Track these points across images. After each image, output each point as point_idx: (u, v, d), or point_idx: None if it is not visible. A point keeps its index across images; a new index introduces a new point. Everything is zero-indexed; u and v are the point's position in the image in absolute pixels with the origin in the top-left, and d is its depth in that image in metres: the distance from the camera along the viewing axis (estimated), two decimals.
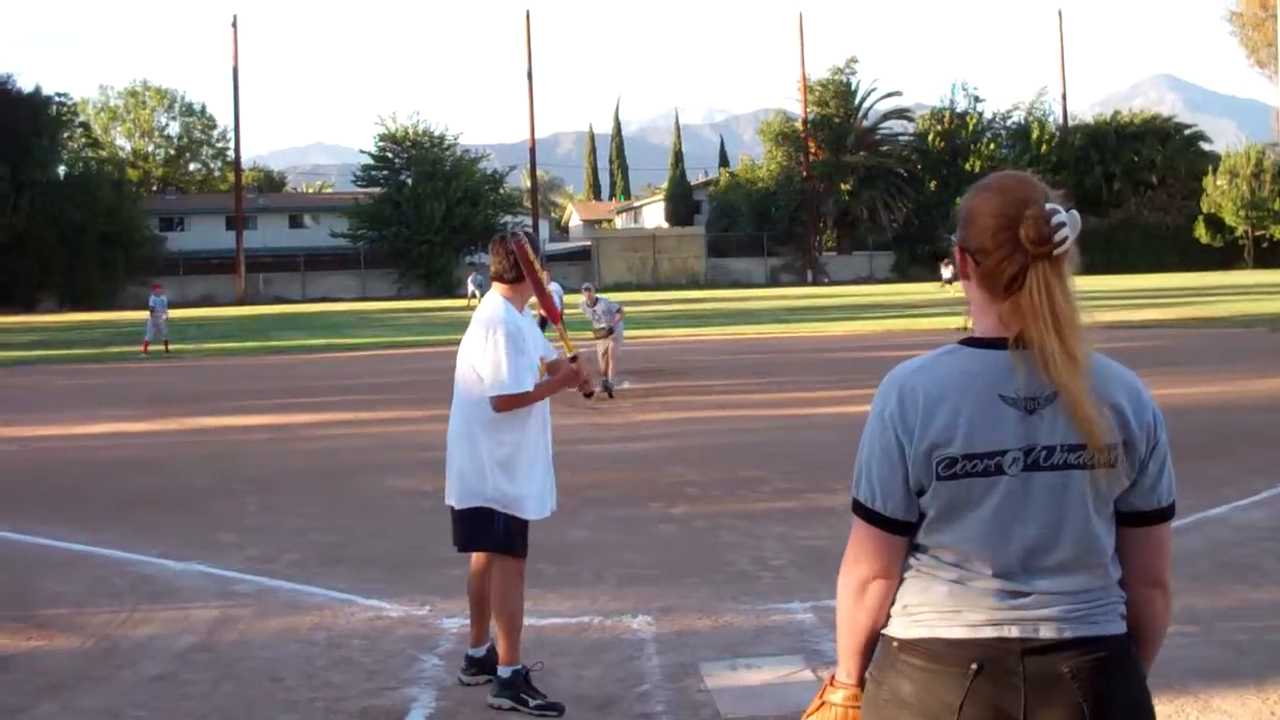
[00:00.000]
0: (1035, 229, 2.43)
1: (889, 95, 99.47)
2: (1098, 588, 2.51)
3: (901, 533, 2.54)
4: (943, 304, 44.71)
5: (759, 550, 8.64)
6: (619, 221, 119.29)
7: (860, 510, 2.59)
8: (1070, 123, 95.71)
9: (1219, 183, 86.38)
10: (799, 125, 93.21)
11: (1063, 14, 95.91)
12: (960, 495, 2.48)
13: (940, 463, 2.47)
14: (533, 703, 5.72)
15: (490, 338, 5.78)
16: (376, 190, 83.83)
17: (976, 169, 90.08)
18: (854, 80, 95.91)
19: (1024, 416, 2.45)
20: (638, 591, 7.61)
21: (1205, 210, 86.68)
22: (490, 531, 5.83)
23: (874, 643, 2.60)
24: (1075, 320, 2.44)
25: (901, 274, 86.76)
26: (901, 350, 26.35)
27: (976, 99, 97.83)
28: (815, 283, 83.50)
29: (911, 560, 2.57)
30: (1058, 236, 2.42)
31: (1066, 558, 2.48)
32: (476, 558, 6.12)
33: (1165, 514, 2.57)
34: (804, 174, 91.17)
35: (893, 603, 2.57)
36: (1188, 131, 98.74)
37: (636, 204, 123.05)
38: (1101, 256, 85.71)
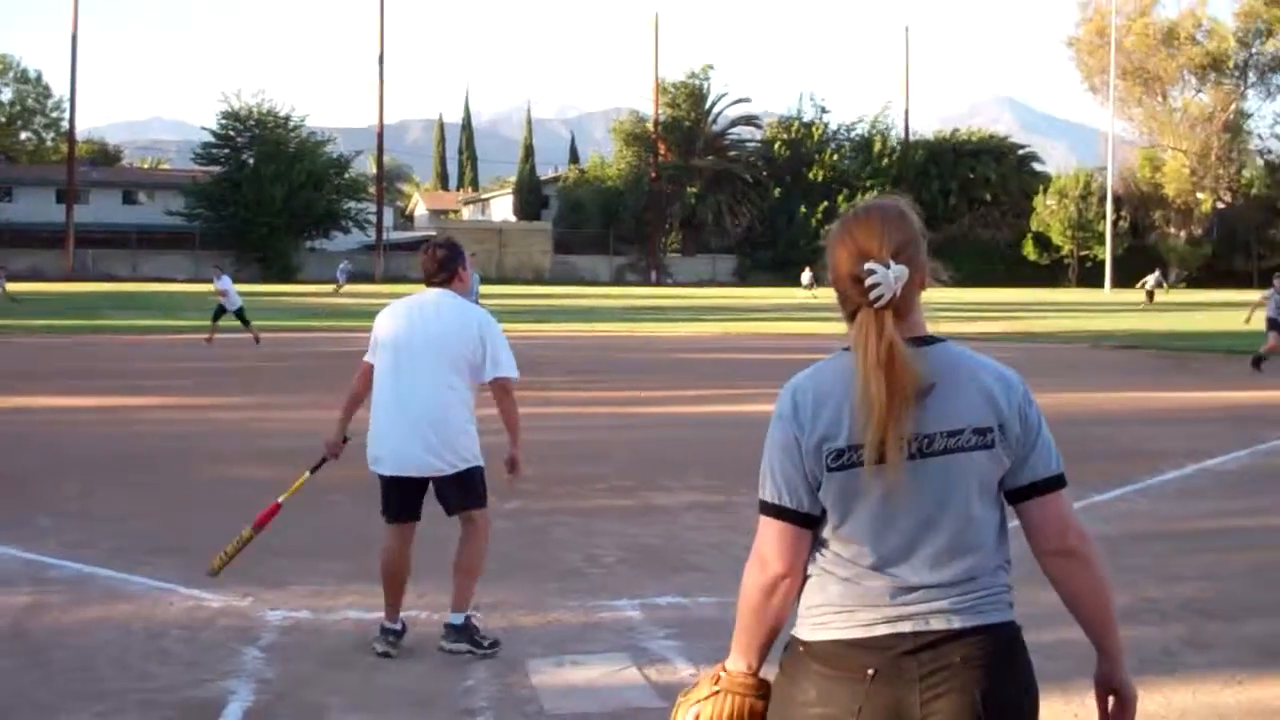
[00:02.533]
0: (854, 286, 2.68)
1: (739, 101, 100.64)
2: (983, 575, 2.64)
3: (807, 525, 2.67)
4: (784, 309, 45.35)
5: (590, 548, 8.68)
6: (466, 213, 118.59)
7: (768, 509, 2.71)
8: (911, 138, 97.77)
9: (1049, 203, 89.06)
10: (650, 126, 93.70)
11: (909, 31, 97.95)
12: (850, 485, 2.63)
13: (829, 454, 2.63)
14: (486, 643, 6.28)
15: (492, 330, 6.54)
16: (216, 169, 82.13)
17: (820, 178, 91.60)
18: (706, 85, 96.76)
19: (903, 405, 2.59)
20: None
21: (1034, 228, 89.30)
22: (481, 487, 6.48)
23: (775, 638, 2.72)
24: (901, 359, 2.59)
25: (743, 278, 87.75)
26: (741, 353, 26.72)
27: (823, 110, 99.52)
28: (659, 283, 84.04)
29: (813, 558, 2.69)
30: (872, 295, 2.62)
31: (949, 544, 2.62)
32: (398, 534, 6.46)
33: (1054, 483, 2.71)
34: (653, 175, 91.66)
35: (797, 601, 2.69)
36: (1022, 152, 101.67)
37: (484, 196, 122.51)
38: (934, 268, 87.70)
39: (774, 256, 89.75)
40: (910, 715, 2.56)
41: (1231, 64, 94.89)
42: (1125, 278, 77.83)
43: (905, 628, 2.58)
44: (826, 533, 2.68)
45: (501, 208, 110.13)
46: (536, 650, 6.38)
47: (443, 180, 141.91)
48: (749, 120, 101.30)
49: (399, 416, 6.29)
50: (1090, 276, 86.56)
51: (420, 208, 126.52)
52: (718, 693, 2.77)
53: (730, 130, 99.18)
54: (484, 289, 30.10)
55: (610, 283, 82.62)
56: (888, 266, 2.64)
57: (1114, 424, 15.68)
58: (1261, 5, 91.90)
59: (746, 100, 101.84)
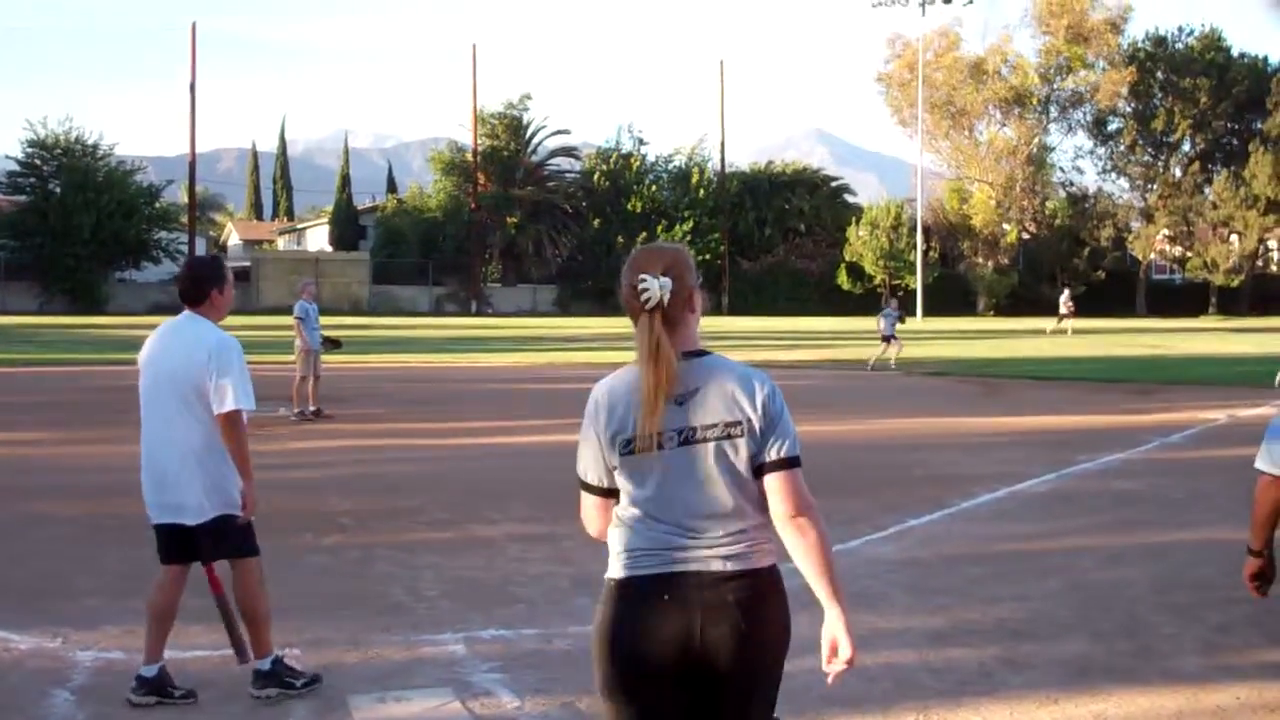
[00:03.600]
0: (631, 294, 3.51)
1: (558, 132, 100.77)
2: (749, 529, 3.46)
3: (606, 496, 3.57)
4: (605, 339, 45.49)
5: (413, 581, 8.56)
6: (281, 243, 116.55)
7: (581, 484, 3.64)
8: (728, 170, 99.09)
9: (861, 233, 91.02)
10: (469, 156, 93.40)
11: (724, 65, 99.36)
12: (639, 466, 3.47)
13: (621, 444, 3.49)
14: (299, 683, 6.12)
15: (224, 357, 5.94)
16: (22, 199, 79.44)
17: (639, 209, 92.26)
18: (525, 115, 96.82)
19: (675, 408, 3.45)
20: (286, 624, 7.40)
21: (847, 258, 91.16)
22: (239, 536, 6.10)
23: None
24: (665, 351, 3.44)
25: (564, 308, 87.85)
26: (562, 383, 26.68)
27: (641, 142, 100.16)
28: (479, 313, 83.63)
29: (618, 515, 3.54)
30: (642, 299, 3.47)
31: (718, 508, 3.44)
32: (172, 573, 6.11)
33: (788, 463, 3.47)
34: (472, 205, 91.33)
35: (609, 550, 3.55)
36: (835, 184, 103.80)
37: (300, 226, 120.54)
38: (752, 298, 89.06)
39: (594, 286, 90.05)
40: (692, 636, 3.38)
41: (1034, 99, 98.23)
42: (936, 306, 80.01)
43: (691, 568, 3.42)
44: (626, 498, 3.52)
45: (318, 238, 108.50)
46: (358, 686, 6.26)
47: (257, 210, 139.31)
48: (568, 151, 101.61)
49: (145, 458, 6.01)
50: (902, 305, 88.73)
51: (234, 237, 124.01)
52: None
53: (550, 161, 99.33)
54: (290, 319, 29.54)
55: (430, 313, 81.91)
56: (657, 278, 3.47)
57: (927, 449, 16.04)
58: (1063, 43, 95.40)
59: (566, 131, 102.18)
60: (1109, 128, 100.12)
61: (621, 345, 41.83)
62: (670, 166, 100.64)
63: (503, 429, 17.95)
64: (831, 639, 3.47)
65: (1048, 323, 57.92)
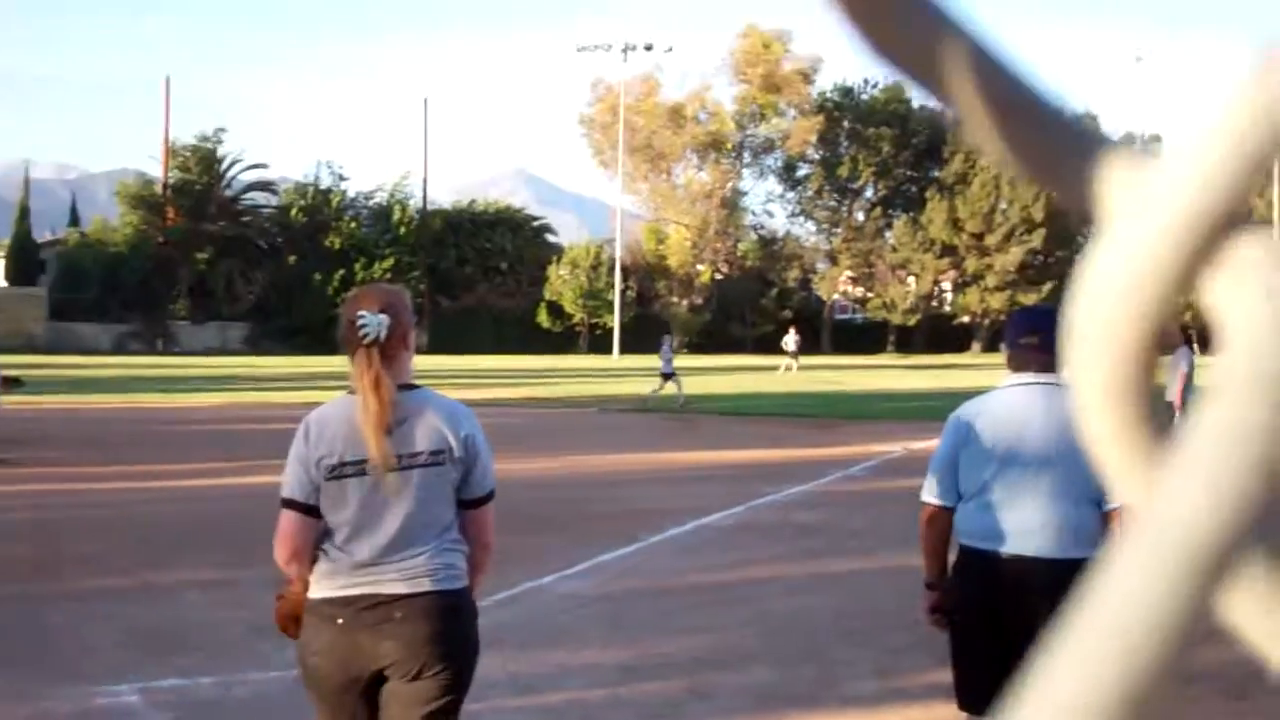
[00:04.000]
0: (350, 329, 3.77)
1: (255, 166, 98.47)
2: (427, 556, 3.73)
3: (311, 515, 3.76)
4: (296, 379, 44.56)
5: (86, 631, 8.17)
6: None
7: (285, 502, 3.79)
8: (430, 207, 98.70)
9: (561, 273, 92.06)
10: (158, 189, 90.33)
11: (428, 102, 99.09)
12: (342, 490, 3.74)
13: (326, 468, 3.74)
14: None
15: None
16: None
17: (337, 245, 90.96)
18: (220, 149, 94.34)
19: (386, 436, 3.68)
20: None
21: (548, 297, 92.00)
22: None
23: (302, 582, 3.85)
24: (384, 382, 3.68)
25: (255, 346, 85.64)
26: (248, 424, 25.99)
27: (341, 177, 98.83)
28: (166, 351, 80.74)
29: (320, 543, 3.77)
30: (361, 334, 3.73)
31: (402, 533, 3.72)
32: None
33: (484, 500, 3.89)
34: (161, 239, 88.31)
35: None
36: (536, 223, 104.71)
37: None
38: (453, 338, 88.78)
39: (288, 324, 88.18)
40: (366, 654, 3.70)
41: (730, 145, 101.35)
42: (633, 344, 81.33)
43: (364, 590, 3.72)
44: (327, 522, 3.76)
45: None
46: None
47: None
48: (265, 185, 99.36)
49: None
50: (600, 343, 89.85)
51: None
52: (280, 598, 3.99)
53: (245, 195, 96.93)
54: None
55: (112, 351, 78.60)
56: (375, 315, 3.74)
57: (620, 484, 16.24)
58: (757, 91, 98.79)
59: (263, 166, 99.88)
60: (798, 173, 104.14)
61: (314, 385, 41.09)
62: (371, 203, 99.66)
63: (183, 471, 17.36)
64: None
65: (739, 359, 59.52)
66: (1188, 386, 18.40)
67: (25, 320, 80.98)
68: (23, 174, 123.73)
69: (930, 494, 4.83)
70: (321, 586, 3.76)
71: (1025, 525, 4.50)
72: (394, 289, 4.11)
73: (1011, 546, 4.50)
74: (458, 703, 3.82)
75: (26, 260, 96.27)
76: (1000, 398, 4.74)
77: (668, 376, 30.86)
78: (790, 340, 55.85)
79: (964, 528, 4.69)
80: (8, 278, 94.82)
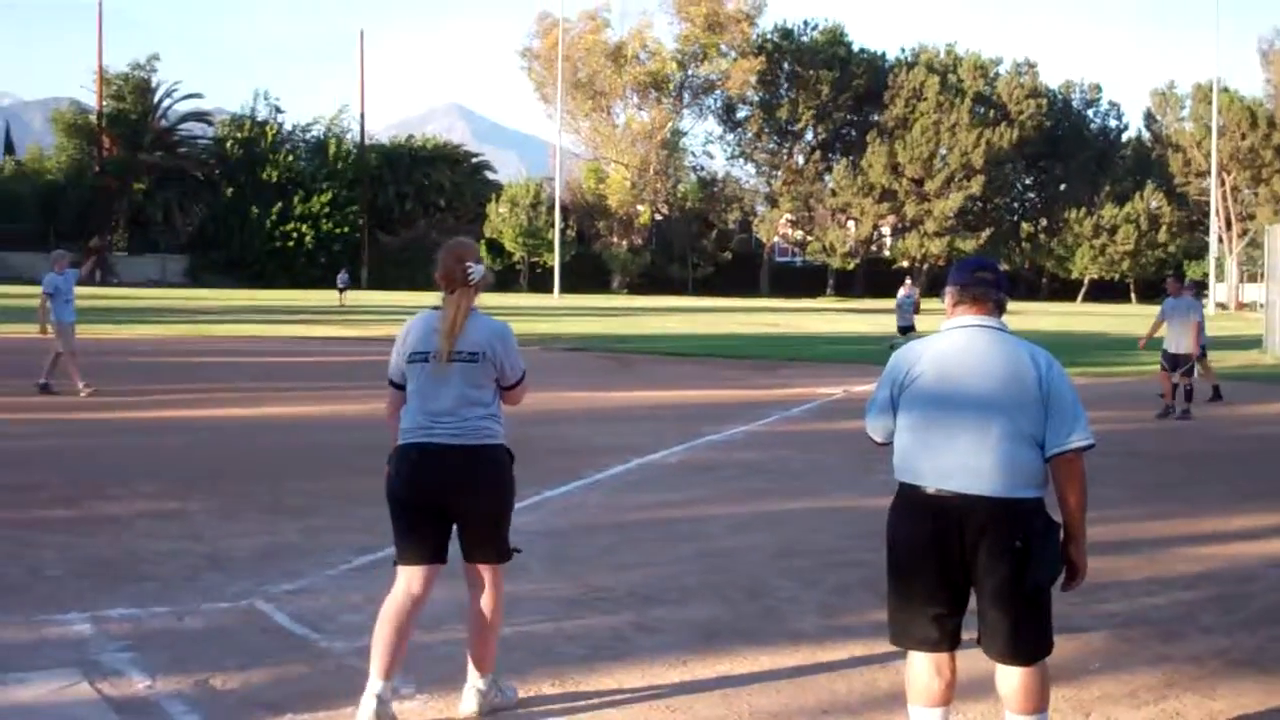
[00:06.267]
0: (460, 272, 5.54)
1: (190, 96, 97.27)
2: (473, 420, 5.45)
3: (400, 389, 5.62)
4: (235, 311, 44.22)
5: (34, 560, 8.17)
6: None
7: (390, 383, 5.67)
8: (368, 142, 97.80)
9: (501, 211, 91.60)
10: (93, 118, 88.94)
11: (364, 34, 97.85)
12: (414, 371, 5.52)
13: (406, 356, 5.56)
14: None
15: None
16: None
17: (274, 178, 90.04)
18: (154, 78, 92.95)
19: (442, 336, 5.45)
20: None
21: (488, 235, 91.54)
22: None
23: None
24: (467, 307, 5.50)
25: (194, 279, 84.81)
26: (192, 356, 25.83)
27: (278, 110, 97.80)
28: (104, 283, 79.74)
29: (403, 406, 5.59)
30: (471, 278, 5.55)
31: (456, 402, 5.44)
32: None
33: (515, 384, 5.65)
34: (97, 169, 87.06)
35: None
36: (475, 160, 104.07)
37: None
38: (392, 272, 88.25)
39: (227, 256, 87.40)
40: (428, 484, 5.43)
41: (670, 85, 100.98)
42: (573, 283, 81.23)
43: (427, 439, 5.44)
44: (407, 391, 5.57)
45: None
46: None
47: None
48: (200, 116, 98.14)
49: None
50: (541, 282, 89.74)
51: None
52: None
53: (181, 126, 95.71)
54: None
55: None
56: (478, 265, 5.60)
57: (563, 422, 16.32)
58: (700, 31, 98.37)
59: (198, 96, 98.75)
60: (738, 115, 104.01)
61: (253, 319, 40.81)
62: (308, 136, 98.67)
63: (125, 404, 17.31)
64: None
65: (679, 300, 59.58)
66: (1202, 334, 18.69)
67: None
68: None
69: (875, 433, 4.96)
70: (402, 436, 5.50)
71: (969, 464, 4.58)
72: (475, 245, 5.94)
73: (954, 485, 4.58)
74: (498, 518, 5.60)
75: None
76: (944, 339, 4.82)
77: (906, 330, 29.43)
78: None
79: (904, 465, 4.78)
80: None
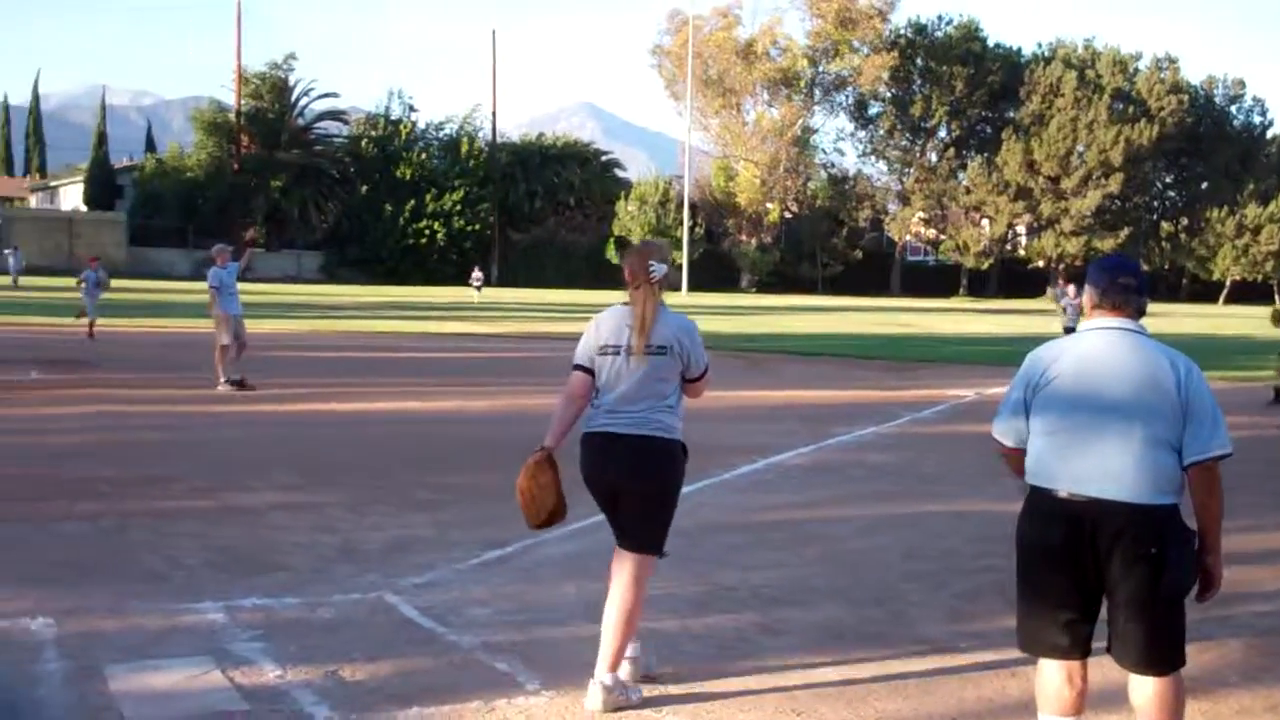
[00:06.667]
0: (644, 271, 5.86)
1: (326, 95, 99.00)
2: (653, 412, 5.76)
3: (588, 374, 5.86)
4: (370, 307, 44.85)
5: (171, 549, 8.36)
6: (33, 201, 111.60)
7: (575, 365, 5.88)
8: (499, 140, 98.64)
9: (630, 208, 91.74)
10: (232, 116, 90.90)
11: (496, 34, 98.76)
12: (604, 363, 5.81)
13: (600, 348, 5.85)
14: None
15: None
16: None
17: (408, 176, 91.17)
18: (291, 77, 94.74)
19: (630, 332, 5.78)
20: (38, 592, 7.18)
21: (616, 232, 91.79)
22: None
23: (567, 429, 5.88)
24: (654, 303, 5.84)
25: (329, 275, 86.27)
26: (327, 351, 26.25)
27: (411, 108, 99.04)
28: (241, 279, 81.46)
29: (591, 398, 5.87)
30: (653, 277, 5.87)
31: (641, 393, 5.75)
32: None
33: (699, 377, 5.98)
34: (235, 167, 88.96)
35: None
36: (605, 158, 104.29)
37: (53, 184, 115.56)
38: (521, 270, 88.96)
39: (361, 253, 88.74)
40: (607, 469, 5.77)
41: (802, 82, 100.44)
42: (700, 281, 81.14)
43: (611, 428, 5.76)
44: (597, 382, 5.83)
45: (72, 196, 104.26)
46: (114, 655, 6.09)
47: (8, 165, 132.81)
48: (336, 115, 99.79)
49: None
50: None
51: None
52: (534, 461, 5.78)
53: (317, 124, 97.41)
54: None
55: (189, 277, 79.38)
56: (660, 264, 5.91)
57: (691, 421, 16.17)
58: (831, 27, 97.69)
59: (334, 95, 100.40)
60: (870, 112, 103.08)
61: (388, 315, 41.38)
62: (441, 134, 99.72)
63: (262, 396, 17.62)
64: None
65: (808, 299, 59.22)
66: None
67: (106, 245, 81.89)
68: (100, 100, 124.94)
69: (1005, 436, 4.86)
70: (587, 424, 5.85)
71: (1106, 469, 4.47)
72: (663, 246, 6.31)
73: (1089, 489, 4.48)
74: (657, 507, 5.82)
75: (105, 186, 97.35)
76: (1082, 341, 4.72)
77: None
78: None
79: (1036, 469, 4.68)
80: (87, 202, 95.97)
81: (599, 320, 5.96)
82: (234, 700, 5.55)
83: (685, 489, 11.33)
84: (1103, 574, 4.51)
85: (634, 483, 5.74)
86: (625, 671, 5.80)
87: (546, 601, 7.40)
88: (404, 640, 6.55)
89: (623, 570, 5.77)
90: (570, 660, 6.17)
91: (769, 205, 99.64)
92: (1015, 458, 4.84)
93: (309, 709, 5.50)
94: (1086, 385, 4.59)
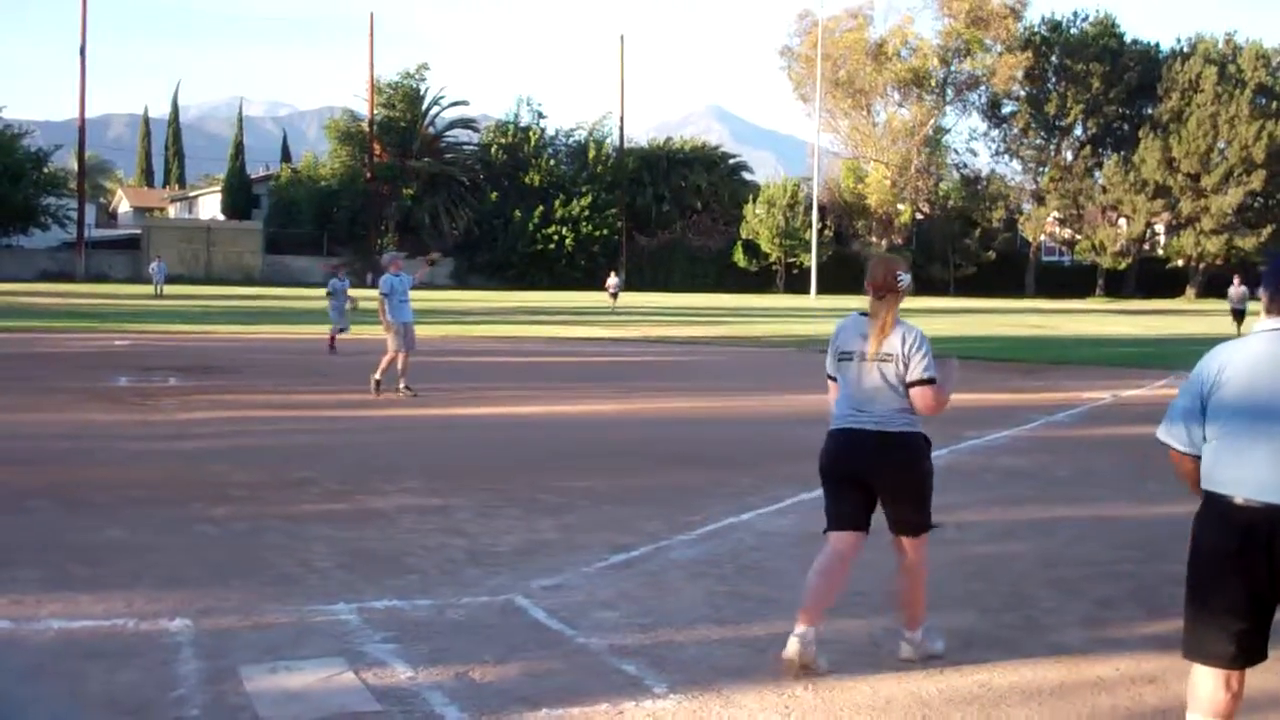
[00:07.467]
0: (892, 280, 6.22)
1: (456, 104, 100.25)
2: (892, 412, 6.15)
3: (835, 381, 6.39)
4: (501, 313, 45.22)
5: (304, 552, 8.49)
6: (173, 211, 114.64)
7: (828, 377, 6.44)
8: (626, 145, 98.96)
9: (758, 211, 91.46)
10: (365, 126, 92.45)
11: (624, 39, 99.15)
12: (843, 368, 6.27)
13: (839, 354, 6.33)
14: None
15: None
16: None
17: (537, 182, 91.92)
18: (422, 86, 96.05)
19: (866, 339, 6.19)
20: (176, 594, 7.34)
21: (744, 236, 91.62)
22: None
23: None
24: (895, 312, 6.22)
25: (461, 281, 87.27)
26: (458, 356, 26.51)
27: (540, 115, 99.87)
28: (374, 286, 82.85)
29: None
30: (900, 287, 6.25)
31: (877, 396, 6.15)
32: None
33: (925, 381, 6.17)
34: (368, 175, 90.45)
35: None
36: (732, 161, 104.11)
37: (192, 194, 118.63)
38: (649, 274, 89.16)
39: (492, 259, 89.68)
40: (859, 467, 6.21)
41: (932, 81, 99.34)
42: (830, 284, 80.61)
43: (852, 424, 6.22)
44: (839, 385, 6.34)
45: (210, 206, 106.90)
46: (250, 656, 6.20)
47: (148, 177, 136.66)
48: (466, 123, 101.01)
49: None
50: (797, 282, 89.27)
51: (124, 204, 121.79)
52: None
53: (447, 133, 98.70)
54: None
55: (324, 285, 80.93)
56: (907, 275, 6.27)
57: (821, 425, 16.13)
58: (963, 26, 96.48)
59: (464, 103, 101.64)
60: (1003, 111, 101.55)
61: (518, 320, 41.74)
62: (569, 140, 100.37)
63: (393, 401, 17.84)
64: None
65: (942, 301, 58.51)
66: None
67: (243, 253, 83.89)
68: (237, 112, 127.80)
69: (1174, 439, 4.71)
70: (833, 421, 6.39)
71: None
72: (903, 259, 6.68)
73: (1267, 496, 4.35)
74: (914, 495, 6.29)
75: (242, 195, 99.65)
76: (1254, 344, 4.55)
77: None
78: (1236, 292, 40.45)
79: (1211, 474, 4.54)
80: (225, 211, 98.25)
81: (837, 329, 6.47)
82: (367, 701, 5.62)
83: (815, 492, 11.27)
84: (1278, 583, 4.37)
85: (889, 477, 6.23)
86: (910, 651, 6.44)
87: (673, 605, 7.39)
88: (533, 643, 6.58)
89: (902, 550, 6.40)
90: (697, 664, 6.15)
91: (900, 206, 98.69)
92: (1187, 463, 4.69)
93: (439, 710, 5.54)
94: (1261, 388, 4.44)
